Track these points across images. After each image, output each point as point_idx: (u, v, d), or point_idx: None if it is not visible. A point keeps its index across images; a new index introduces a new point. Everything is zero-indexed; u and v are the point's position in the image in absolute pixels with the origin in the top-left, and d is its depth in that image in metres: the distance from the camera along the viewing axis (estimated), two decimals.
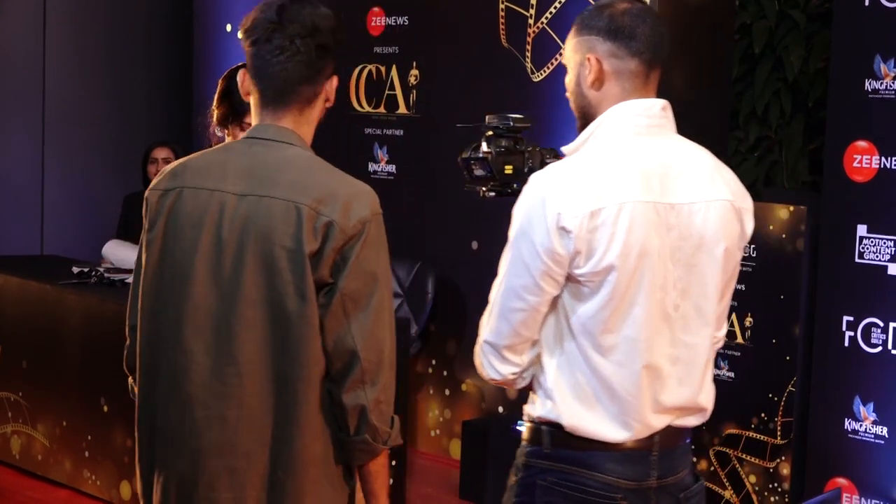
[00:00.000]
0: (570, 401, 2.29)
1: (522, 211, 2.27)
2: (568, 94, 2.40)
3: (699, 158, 2.35)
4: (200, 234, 2.22)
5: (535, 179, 2.28)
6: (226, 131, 3.27)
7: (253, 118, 2.32)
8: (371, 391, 2.20)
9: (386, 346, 2.22)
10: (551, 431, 2.32)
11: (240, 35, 2.31)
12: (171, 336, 2.24)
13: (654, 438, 2.33)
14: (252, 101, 2.32)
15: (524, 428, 2.39)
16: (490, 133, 2.62)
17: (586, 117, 2.36)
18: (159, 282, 2.27)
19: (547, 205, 2.22)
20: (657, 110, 2.33)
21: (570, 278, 2.25)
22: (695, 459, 2.57)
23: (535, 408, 2.34)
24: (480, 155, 2.60)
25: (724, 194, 2.32)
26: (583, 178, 2.24)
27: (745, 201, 2.38)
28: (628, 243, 2.22)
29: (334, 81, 2.32)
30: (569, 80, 2.38)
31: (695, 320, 2.32)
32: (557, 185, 2.24)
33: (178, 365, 2.23)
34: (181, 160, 2.35)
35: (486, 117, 2.61)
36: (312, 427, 2.21)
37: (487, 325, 2.33)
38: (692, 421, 2.40)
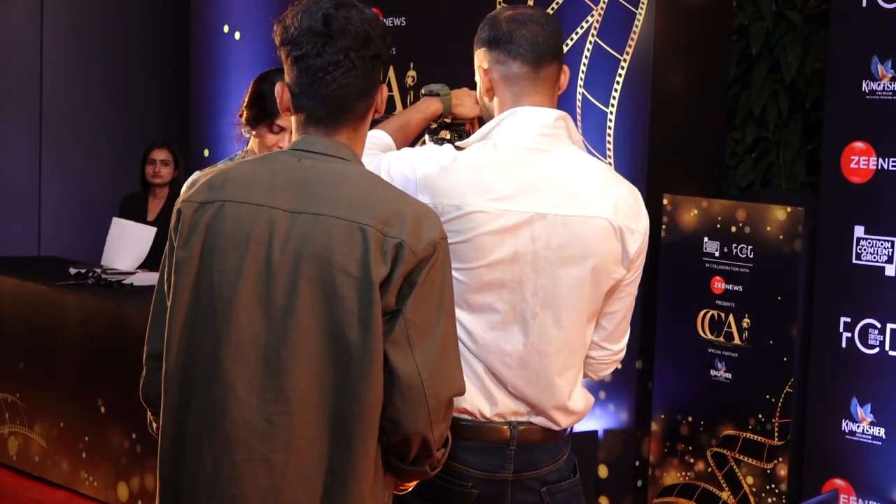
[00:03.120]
0: None
1: (396, 170, 2.32)
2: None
3: (587, 173, 2.35)
4: (246, 255, 1.97)
5: (416, 161, 2.32)
6: (253, 132, 3.26)
7: (295, 135, 2.08)
8: (437, 428, 2.02)
9: (455, 379, 2.04)
10: None
11: (277, 43, 2.05)
12: (207, 368, 1.98)
13: (512, 432, 2.34)
14: (296, 118, 2.07)
15: None
16: (434, 125, 2.58)
17: None
18: (194, 307, 2.00)
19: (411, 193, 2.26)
20: (550, 121, 2.34)
21: None
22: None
23: None
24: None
25: (603, 212, 2.31)
26: (455, 176, 2.28)
27: (633, 222, 2.35)
28: (477, 245, 2.26)
29: (384, 91, 2.13)
30: (478, 94, 2.47)
31: (552, 330, 2.32)
32: (430, 174, 2.28)
33: (215, 401, 1.97)
34: (217, 170, 2.09)
35: None
36: (369, 473, 1.98)
37: None
38: (549, 423, 2.38)
